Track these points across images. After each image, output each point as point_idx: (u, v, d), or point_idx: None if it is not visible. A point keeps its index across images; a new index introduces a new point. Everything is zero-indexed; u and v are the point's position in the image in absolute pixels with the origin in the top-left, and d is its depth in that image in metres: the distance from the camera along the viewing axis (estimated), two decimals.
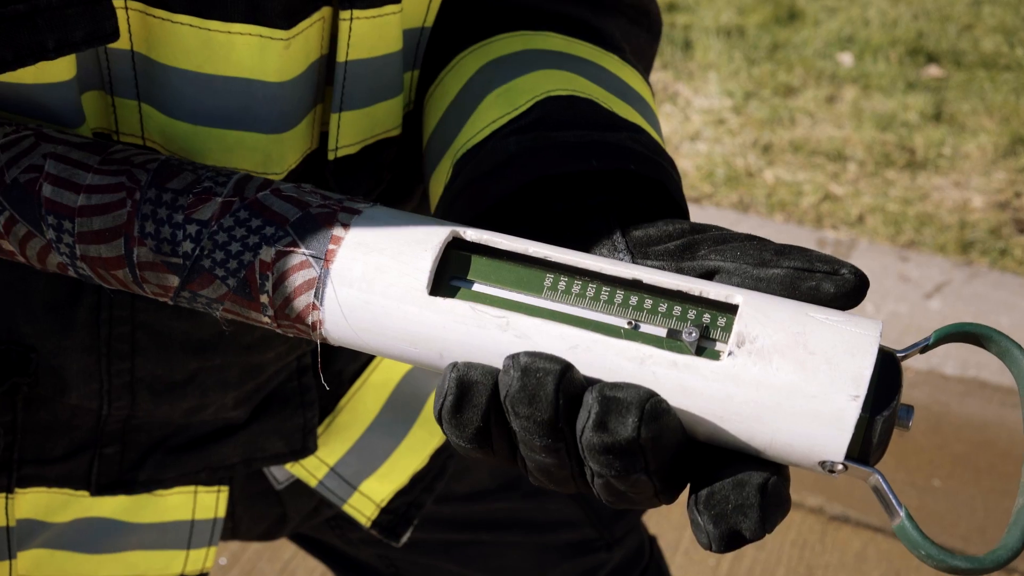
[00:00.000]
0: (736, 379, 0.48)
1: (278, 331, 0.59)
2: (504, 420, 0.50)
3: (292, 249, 0.56)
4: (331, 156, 0.69)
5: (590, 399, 0.47)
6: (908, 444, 2.08)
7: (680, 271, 0.54)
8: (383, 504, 0.92)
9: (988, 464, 2.04)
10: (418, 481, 0.93)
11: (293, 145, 0.67)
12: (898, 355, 0.50)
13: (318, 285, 0.55)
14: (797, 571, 1.84)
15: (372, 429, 0.90)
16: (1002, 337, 0.50)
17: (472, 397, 0.50)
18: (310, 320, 0.56)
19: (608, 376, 0.50)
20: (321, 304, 0.55)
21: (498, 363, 0.51)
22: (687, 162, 2.89)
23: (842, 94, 3.15)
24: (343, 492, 0.89)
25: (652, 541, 1.08)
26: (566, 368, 0.48)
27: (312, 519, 0.95)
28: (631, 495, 0.50)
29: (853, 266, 0.52)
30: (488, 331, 0.52)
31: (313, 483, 0.88)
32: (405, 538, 0.93)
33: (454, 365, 0.50)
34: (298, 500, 0.92)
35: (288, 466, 0.87)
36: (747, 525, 0.47)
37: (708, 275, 0.53)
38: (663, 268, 0.54)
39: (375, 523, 0.92)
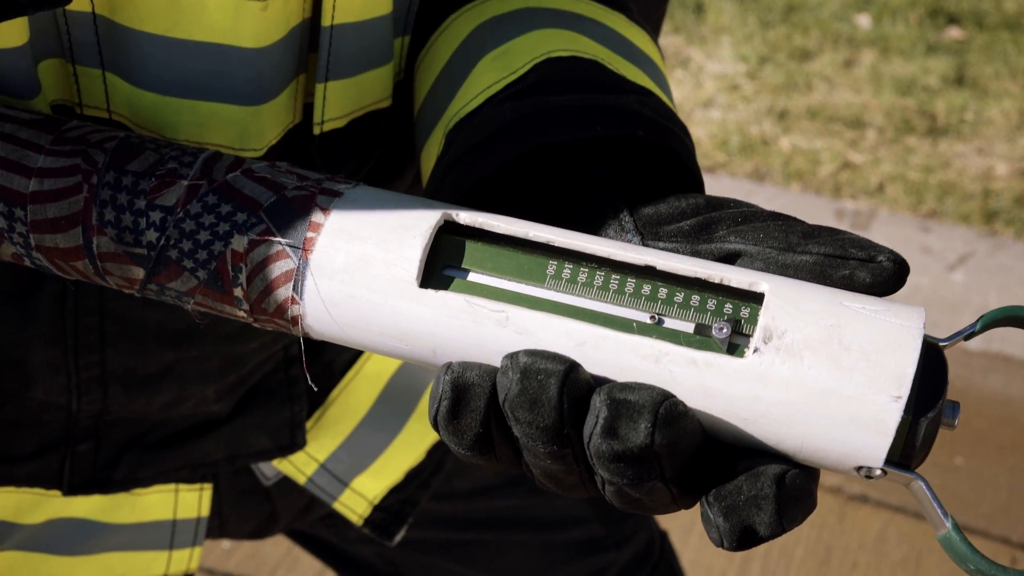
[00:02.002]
0: (763, 379, 0.44)
1: (256, 326, 0.54)
2: (506, 424, 0.46)
3: (267, 238, 0.51)
4: (316, 130, 0.64)
5: (598, 402, 0.43)
6: None
7: (696, 254, 0.49)
8: (376, 501, 0.87)
9: (1012, 441, 1.99)
10: (414, 477, 0.88)
11: (273, 118, 0.62)
12: (941, 344, 0.45)
13: (296, 277, 0.50)
14: (816, 552, 1.80)
15: (365, 423, 0.85)
16: None
17: (469, 401, 0.45)
18: (290, 315, 0.52)
19: (620, 376, 0.46)
20: (301, 298, 0.50)
21: (498, 361, 0.47)
22: (700, 130, 2.82)
23: (860, 58, 3.08)
24: (334, 489, 0.85)
25: (663, 537, 1.03)
26: (571, 368, 0.44)
27: (305, 517, 0.91)
28: (646, 502, 0.46)
29: (891, 251, 0.47)
30: (485, 327, 0.47)
31: (302, 480, 0.83)
32: (399, 537, 0.88)
33: (448, 366, 0.46)
34: (288, 497, 0.87)
35: (275, 462, 0.82)
36: (761, 519, 0.43)
37: (728, 259, 0.49)
38: (677, 251, 0.50)
39: (368, 521, 0.88)
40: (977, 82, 2.95)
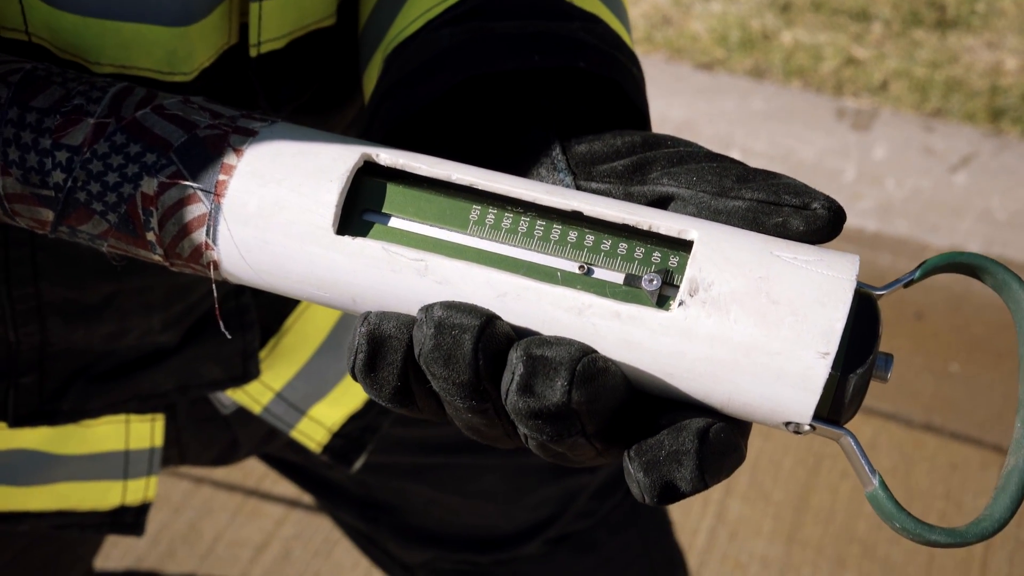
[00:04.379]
0: (688, 333, 0.43)
1: (174, 270, 0.51)
2: (425, 378, 0.44)
3: (177, 181, 0.48)
4: (253, 52, 0.61)
5: (514, 358, 0.42)
6: (926, 327, 2.00)
7: (629, 196, 0.48)
8: (335, 429, 0.86)
9: (1009, 347, 1.97)
10: (374, 403, 0.86)
11: (203, 40, 0.58)
12: (877, 294, 0.44)
13: (209, 222, 0.48)
14: (805, 462, 1.79)
15: (322, 350, 0.83)
16: (999, 268, 0.45)
17: (386, 354, 0.44)
18: (205, 260, 0.49)
19: (543, 328, 0.44)
20: (215, 243, 0.48)
21: (417, 311, 0.45)
22: (699, 24, 2.74)
23: None
24: (291, 418, 0.83)
25: None
26: (487, 323, 0.43)
27: (269, 443, 0.89)
28: (571, 456, 0.45)
29: (827, 198, 0.45)
30: (404, 276, 0.45)
31: (257, 410, 0.81)
32: (359, 464, 0.87)
33: (365, 317, 0.44)
34: (248, 425, 0.85)
35: (230, 392, 0.80)
36: (682, 475, 0.42)
37: (660, 202, 0.47)
38: (609, 192, 0.48)
39: (327, 448, 0.86)
40: None
